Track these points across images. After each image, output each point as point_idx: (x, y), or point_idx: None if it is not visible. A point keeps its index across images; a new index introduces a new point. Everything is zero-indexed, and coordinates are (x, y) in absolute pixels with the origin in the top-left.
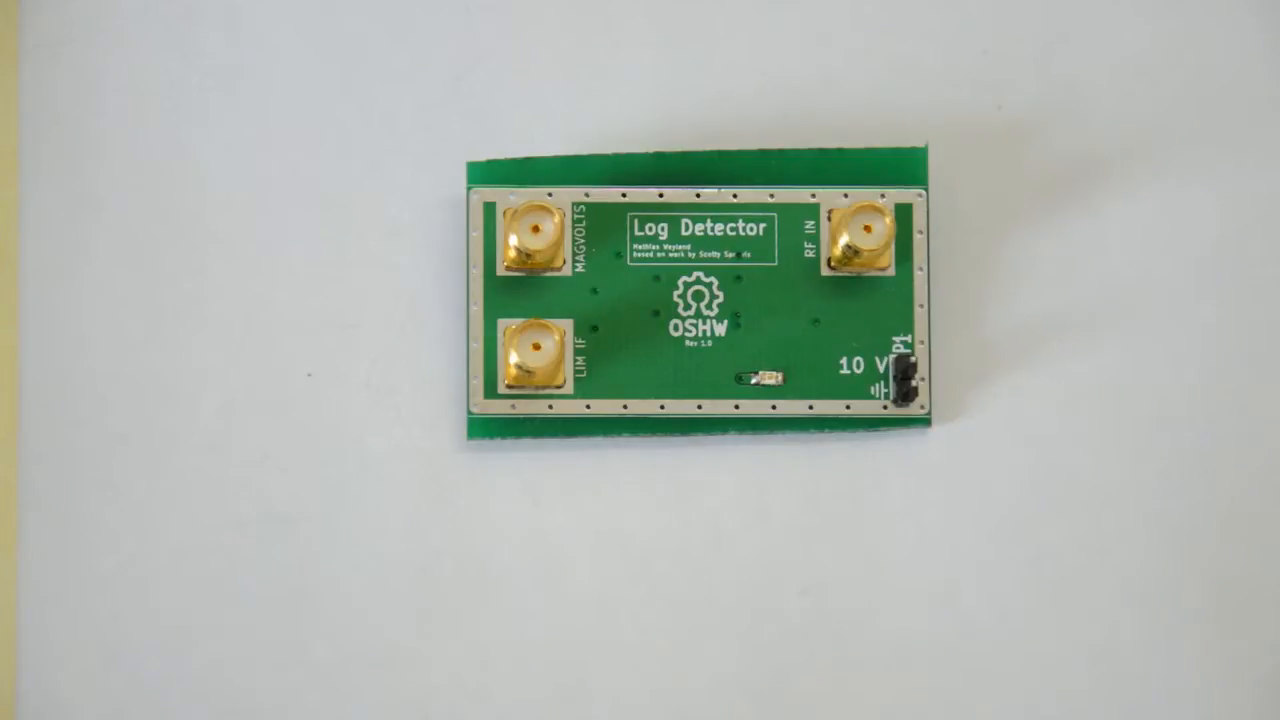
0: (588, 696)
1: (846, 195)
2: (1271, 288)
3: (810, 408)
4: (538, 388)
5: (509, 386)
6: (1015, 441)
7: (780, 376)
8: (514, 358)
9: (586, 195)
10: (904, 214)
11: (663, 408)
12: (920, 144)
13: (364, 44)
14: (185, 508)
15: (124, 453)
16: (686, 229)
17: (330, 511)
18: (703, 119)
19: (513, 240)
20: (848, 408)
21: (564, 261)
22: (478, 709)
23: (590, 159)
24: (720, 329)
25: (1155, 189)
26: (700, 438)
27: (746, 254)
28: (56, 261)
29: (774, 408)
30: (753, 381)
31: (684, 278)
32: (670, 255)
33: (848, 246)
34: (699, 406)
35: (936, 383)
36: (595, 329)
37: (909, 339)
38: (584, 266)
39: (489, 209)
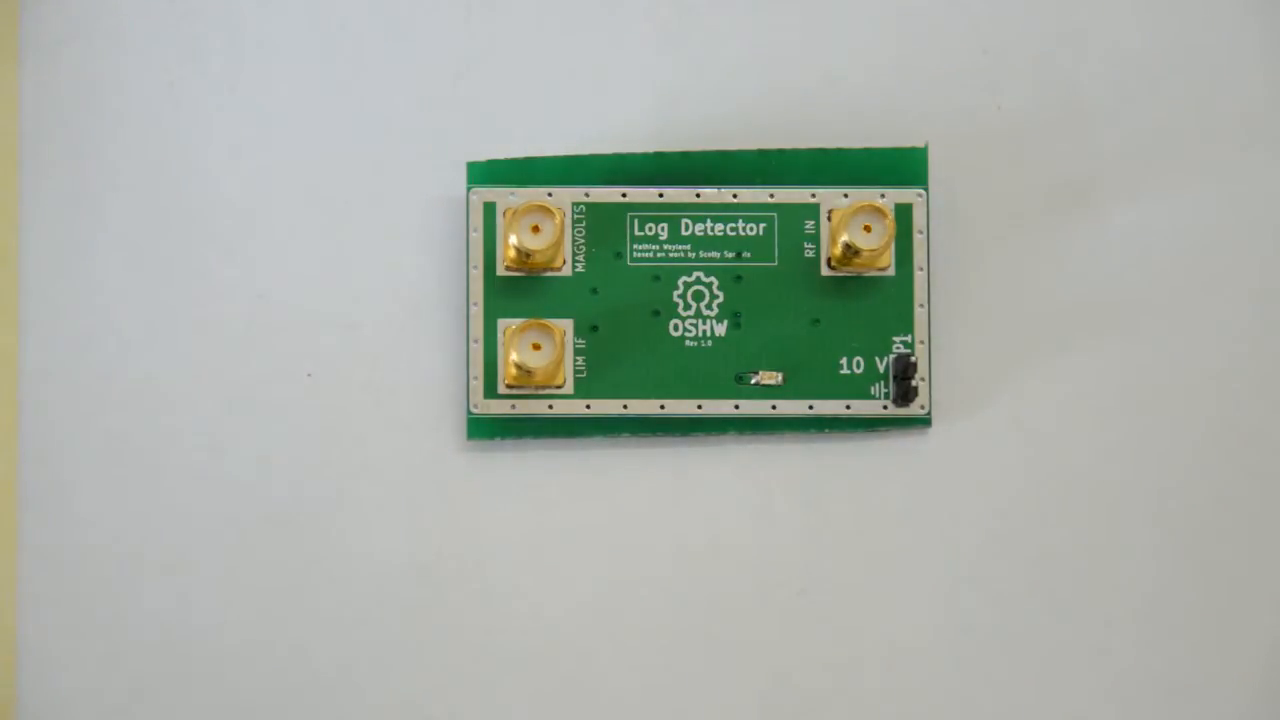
0: (588, 696)
1: (846, 195)
2: (1272, 288)
3: (810, 408)
4: (538, 388)
5: (509, 386)
6: (1015, 441)
7: (780, 376)
8: (514, 358)
9: (586, 195)
10: (904, 214)
11: (663, 408)
12: (920, 144)
13: (364, 44)
14: (185, 508)
15: (124, 453)
16: (686, 229)
17: (330, 511)
18: (703, 119)
19: (513, 240)
20: (848, 408)
21: (564, 261)
22: (478, 709)
23: (590, 159)
24: (720, 329)
25: (1155, 188)
26: (700, 438)
27: (746, 254)
28: (56, 261)
29: (774, 408)
30: (753, 381)
31: (684, 278)
32: (670, 255)
33: (847, 246)
34: (699, 406)
35: (936, 383)
36: (595, 329)
37: (909, 339)
38: (584, 266)
39: (489, 209)
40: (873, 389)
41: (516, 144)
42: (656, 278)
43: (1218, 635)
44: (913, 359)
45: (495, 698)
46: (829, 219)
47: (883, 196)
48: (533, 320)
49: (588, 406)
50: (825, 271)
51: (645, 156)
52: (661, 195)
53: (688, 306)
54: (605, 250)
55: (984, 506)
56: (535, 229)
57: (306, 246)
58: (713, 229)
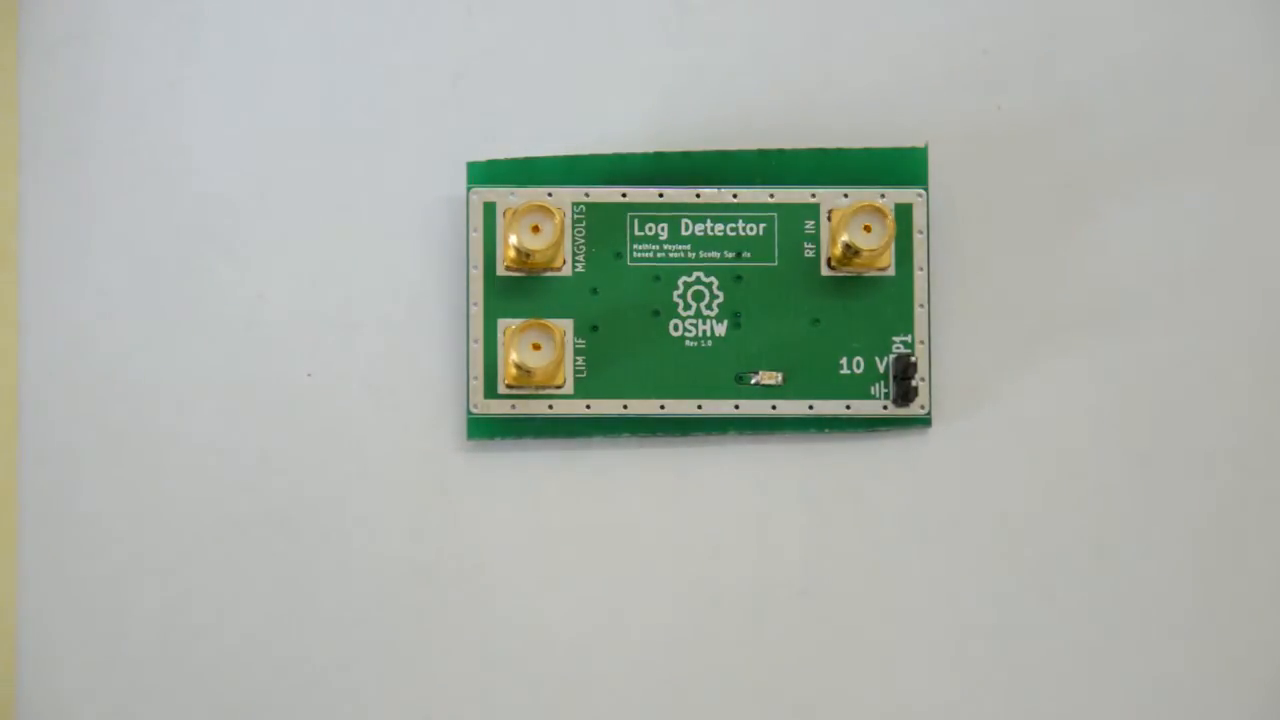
0: (588, 696)
1: (846, 195)
2: (1271, 288)
3: (810, 408)
4: (538, 388)
5: (509, 386)
6: (1015, 441)
7: (780, 376)
8: (514, 358)
9: (586, 195)
10: (904, 214)
11: (663, 408)
12: (920, 144)
13: (364, 44)
14: (185, 508)
15: (124, 453)
16: (686, 229)
17: (330, 511)
18: (703, 119)
19: (513, 240)
20: (848, 408)
21: (564, 261)
22: (478, 709)
23: (590, 159)
24: (720, 329)
25: (1155, 188)
26: (700, 438)
27: (746, 254)
28: (56, 261)
29: (774, 408)
30: (753, 381)
31: (684, 278)
32: (670, 255)
33: (847, 246)
34: (699, 406)
35: (936, 383)
36: (595, 329)
37: (909, 339)
38: (584, 266)
39: (489, 209)
40: (873, 389)
41: (516, 144)
42: (656, 278)
43: (1219, 635)
44: (913, 359)
45: (495, 697)
46: (829, 219)
47: (883, 196)
48: (533, 320)
49: (588, 406)
50: (825, 271)
51: (645, 156)
52: (661, 195)
53: (688, 306)
54: (605, 250)
55: (984, 506)
56: (535, 229)
57: (306, 246)
58: (713, 229)
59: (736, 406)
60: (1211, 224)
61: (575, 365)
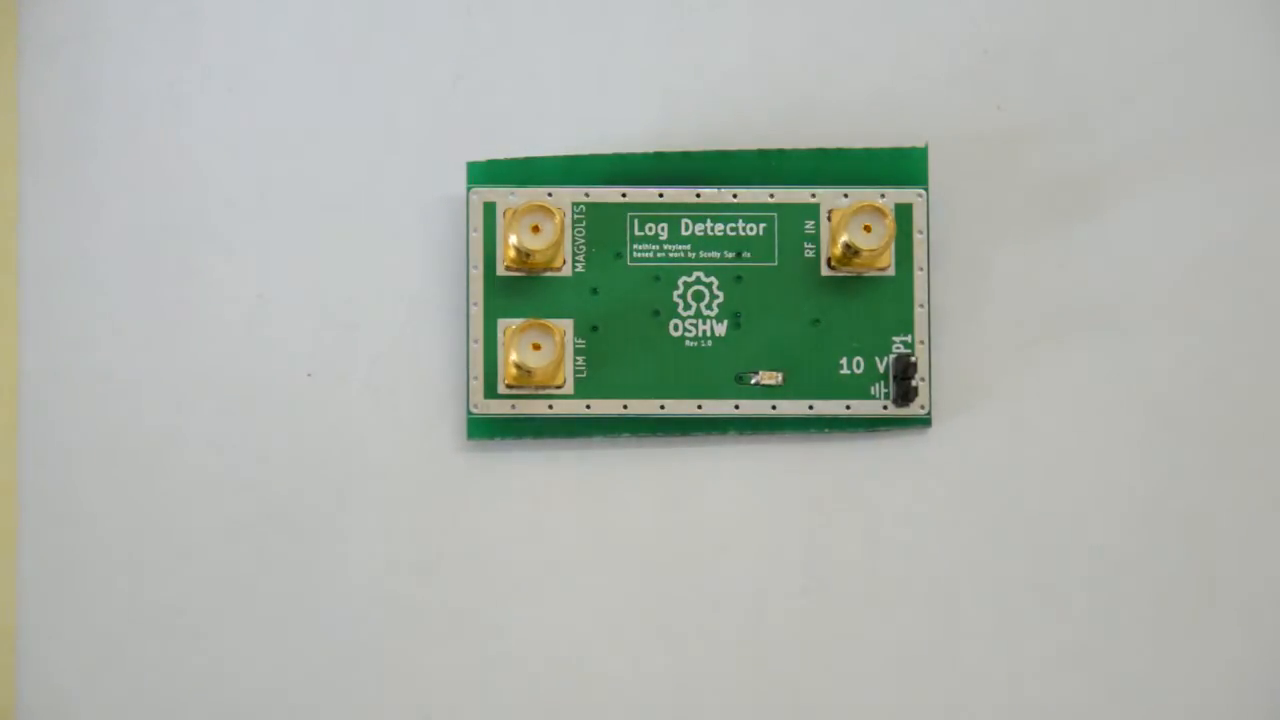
0: (588, 696)
1: (846, 195)
2: (1271, 288)
3: (810, 408)
4: (538, 388)
5: (509, 386)
6: (1015, 441)
7: (780, 376)
8: (514, 358)
9: (586, 195)
10: (904, 214)
11: (663, 408)
12: (920, 144)
13: (364, 44)
14: (185, 508)
15: (124, 453)
16: (686, 229)
17: (330, 511)
18: (703, 119)
19: (513, 240)
20: (848, 408)
21: (564, 261)
22: (478, 709)
23: (590, 159)
24: (720, 329)
25: (1155, 188)
26: (700, 438)
27: (746, 254)
28: (56, 261)
29: (774, 408)
30: (753, 381)
31: (684, 278)
32: (670, 255)
33: (847, 246)
34: (699, 406)
35: (936, 383)
36: (595, 329)
37: (909, 339)
38: (584, 266)
39: (489, 209)
40: (873, 389)
41: (516, 144)
42: (656, 278)
43: (1219, 635)
44: (913, 359)
45: (495, 697)
46: (829, 219)
47: (883, 196)
48: (533, 320)
49: (588, 406)
50: (825, 271)
51: (645, 156)
52: (661, 195)
53: (688, 306)
54: (605, 250)
55: (984, 506)
56: (535, 229)
57: (306, 246)
58: (713, 229)
59: (736, 406)
60: (1212, 224)
61: (575, 365)
